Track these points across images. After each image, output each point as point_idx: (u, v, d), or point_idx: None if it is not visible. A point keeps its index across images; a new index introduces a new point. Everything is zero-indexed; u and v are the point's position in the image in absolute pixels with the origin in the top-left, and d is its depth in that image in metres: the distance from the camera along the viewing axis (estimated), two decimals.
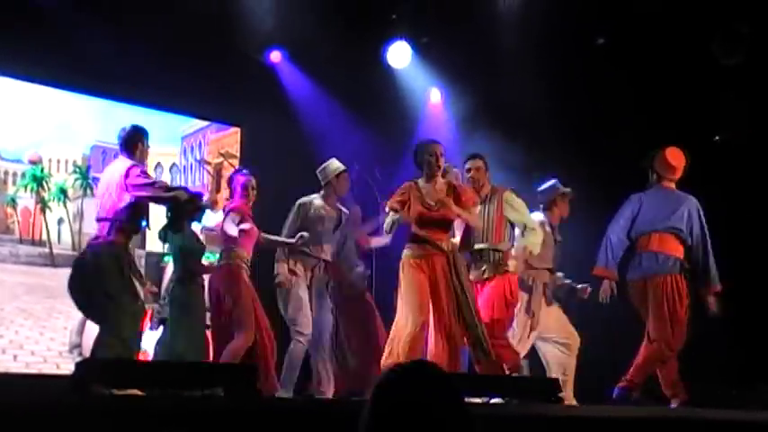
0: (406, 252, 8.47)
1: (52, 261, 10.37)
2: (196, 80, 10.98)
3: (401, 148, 10.75)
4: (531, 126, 11.69)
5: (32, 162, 10.93)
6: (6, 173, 10.79)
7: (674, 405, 9.13)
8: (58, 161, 11.14)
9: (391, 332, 8.38)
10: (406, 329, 8.18)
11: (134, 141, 8.24)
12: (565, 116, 11.27)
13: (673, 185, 9.60)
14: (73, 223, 11.19)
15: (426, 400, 2.65)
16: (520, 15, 10.54)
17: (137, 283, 8.22)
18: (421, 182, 8.50)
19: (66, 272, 10.03)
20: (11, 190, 10.86)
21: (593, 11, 11.12)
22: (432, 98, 12.91)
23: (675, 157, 9.60)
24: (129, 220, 8.02)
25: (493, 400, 7.94)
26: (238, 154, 12.35)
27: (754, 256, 11.19)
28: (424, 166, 8.50)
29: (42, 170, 10.92)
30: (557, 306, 9.92)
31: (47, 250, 10.03)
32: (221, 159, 10.88)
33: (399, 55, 12.33)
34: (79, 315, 10.52)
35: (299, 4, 11.13)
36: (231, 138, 12.59)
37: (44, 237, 10.48)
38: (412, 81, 12.70)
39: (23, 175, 10.95)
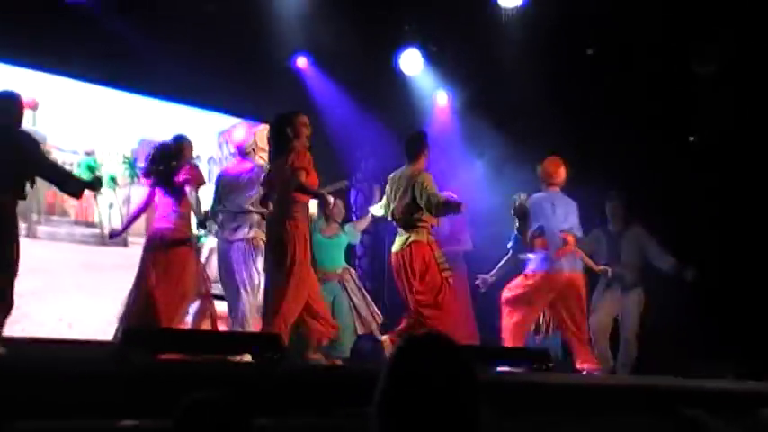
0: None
1: (103, 240, 10.39)
2: (232, 82, 11.04)
3: None
4: (528, 123, 11.67)
5: (87, 153, 10.97)
6: (63, 163, 10.76)
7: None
8: (109, 153, 11.18)
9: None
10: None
11: None
12: (558, 115, 11.25)
13: (557, 189, 9.67)
14: (122, 207, 11.23)
15: (439, 368, 2.62)
16: (519, 28, 10.52)
17: None
18: None
19: (114, 250, 10.12)
20: None
21: (583, 24, 11.10)
22: (439, 100, 12.90)
23: (553, 165, 9.69)
24: None
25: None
26: (268, 148, 12.36)
27: (722, 245, 11.17)
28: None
29: (95, 161, 10.94)
30: None
31: (98, 231, 10.06)
32: None
33: (411, 62, 12.36)
34: (126, 288, 10.60)
35: (322, 17, 11.16)
36: (263, 133, 12.58)
37: (96, 219, 10.53)
38: (422, 85, 12.69)
39: (79, 165, 10.95)
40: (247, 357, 7.37)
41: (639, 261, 10.63)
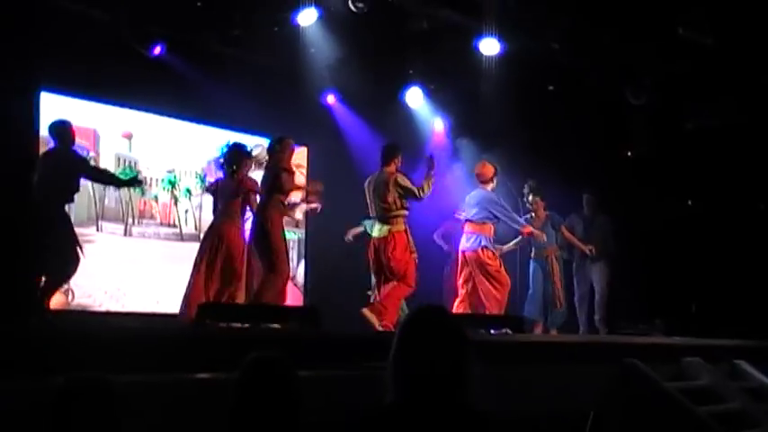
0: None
1: (181, 238, 10.42)
2: (276, 113, 11.01)
3: (415, 160, 10.72)
4: (504, 143, 11.66)
5: (168, 171, 11.01)
6: (151, 179, 10.87)
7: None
8: (185, 171, 11.21)
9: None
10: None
11: None
12: (527, 136, 11.25)
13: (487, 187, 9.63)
14: (195, 212, 11.26)
15: (438, 331, 2.65)
16: (497, 70, 10.48)
17: None
18: None
19: (190, 245, 10.13)
20: (154, 190, 10.94)
21: (546, 68, 11.12)
22: (436, 126, 12.87)
23: (483, 168, 9.67)
24: None
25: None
26: (305, 164, 12.40)
27: (658, 235, 11.25)
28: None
29: (175, 177, 11.01)
30: None
31: (178, 231, 10.09)
32: None
33: (414, 97, 12.28)
34: None
35: (346, 63, 11.13)
36: (300, 154, 12.60)
37: (176, 221, 10.54)
38: (422, 115, 12.67)
39: (162, 180, 11.03)
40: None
41: (604, 241, 10.75)
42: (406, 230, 8.72)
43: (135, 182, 9.00)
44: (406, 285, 8.61)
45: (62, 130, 8.27)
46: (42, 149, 8.88)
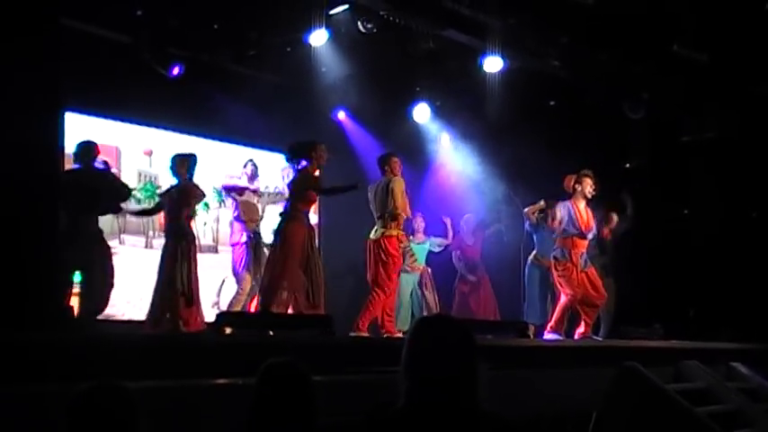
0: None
1: (199, 249, 10.36)
2: (289, 129, 11.03)
3: (423, 173, 10.83)
4: (507, 154, 11.69)
5: None
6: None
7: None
8: (203, 186, 11.19)
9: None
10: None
11: None
12: (528, 147, 11.26)
13: None
14: (213, 225, 11.30)
15: (449, 336, 2.67)
16: (499, 87, 10.51)
17: None
18: None
19: (207, 256, 10.15)
20: None
21: (546, 84, 11.14)
22: (442, 140, 12.90)
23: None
24: None
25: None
26: None
27: (656, 243, 11.26)
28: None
29: None
30: None
31: (196, 243, 10.06)
32: None
33: (421, 113, 12.32)
34: (218, 282, 10.66)
35: (355, 81, 11.16)
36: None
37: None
38: (429, 129, 12.70)
39: None
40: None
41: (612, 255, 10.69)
42: (398, 234, 8.74)
43: (145, 213, 9.30)
44: (380, 292, 8.57)
45: (87, 149, 8.39)
46: (67, 167, 8.93)
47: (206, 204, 10.94)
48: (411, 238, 10.81)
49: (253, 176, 10.32)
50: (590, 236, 9.31)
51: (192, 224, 8.95)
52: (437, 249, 11.45)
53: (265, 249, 9.56)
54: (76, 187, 7.96)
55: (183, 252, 8.56)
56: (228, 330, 6.71)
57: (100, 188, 8.25)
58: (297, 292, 8.09)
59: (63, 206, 7.83)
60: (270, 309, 7.96)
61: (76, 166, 8.35)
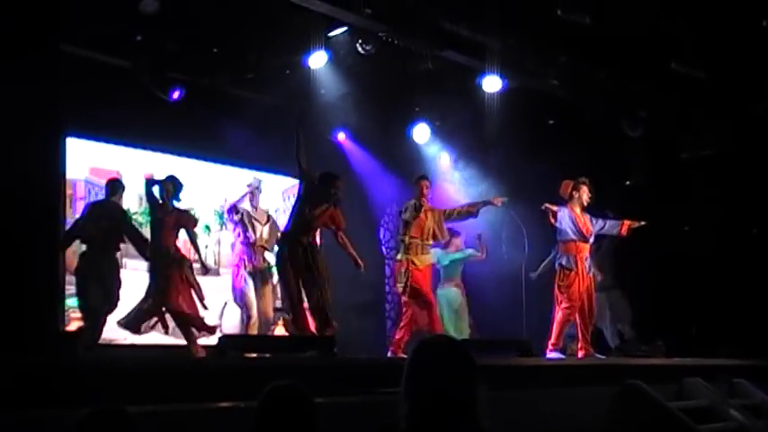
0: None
1: (202, 271, 10.34)
2: (289, 151, 11.02)
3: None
4: (506, 173, 11.70)
5: (190, 209, 11.02)
6: None
7: None
8: (204, 208, 11.24)
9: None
10: None
11: None
12: (527, 168, 11.28)
13: None
14: (213, 247, 11.30)
15: (449, 356, 2.66)
16: (499, 106, 10.54)
17: None
18: None
19: (208, 279, 10.14)
20: None
21: (545, 103, 11.18)
22: (442, 160, 12.91)
23: None
24: None
25: None
26: None
27: (657, 260, 11.26)
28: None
29: (195, 214, 11.02)
30: None
31: (198, 265, 10.06)
32: None
33: (421, 133, 12.33)
34: (220, 305, 10.66)
35: (355, 102, 11.19)
36: None
37: (196, 256, 10.51)
38: (429, 149, 12.72)
39: None
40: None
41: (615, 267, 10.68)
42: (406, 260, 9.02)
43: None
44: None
45: (116, 185, 9.13)
46: (68, 192, 9.03)
47: (207, 227, 10.97)
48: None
49: (254, 194, 10.43)
50: (591, 239, 9.35)
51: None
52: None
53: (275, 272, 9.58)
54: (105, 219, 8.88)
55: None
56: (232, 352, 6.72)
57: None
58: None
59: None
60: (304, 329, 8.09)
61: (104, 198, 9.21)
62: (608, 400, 6.83)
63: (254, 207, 10.52)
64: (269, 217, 10.73)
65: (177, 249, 9.07)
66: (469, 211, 9.44)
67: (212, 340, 8.59)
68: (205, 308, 9.11)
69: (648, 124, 11.18)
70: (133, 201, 10.53)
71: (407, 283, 8.95)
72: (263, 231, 10.39)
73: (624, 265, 10.81)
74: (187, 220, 9.27)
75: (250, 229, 10.28)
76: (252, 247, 10.21)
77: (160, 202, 9.04)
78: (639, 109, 11.13)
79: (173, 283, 8.83)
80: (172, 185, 9.11)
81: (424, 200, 9.20)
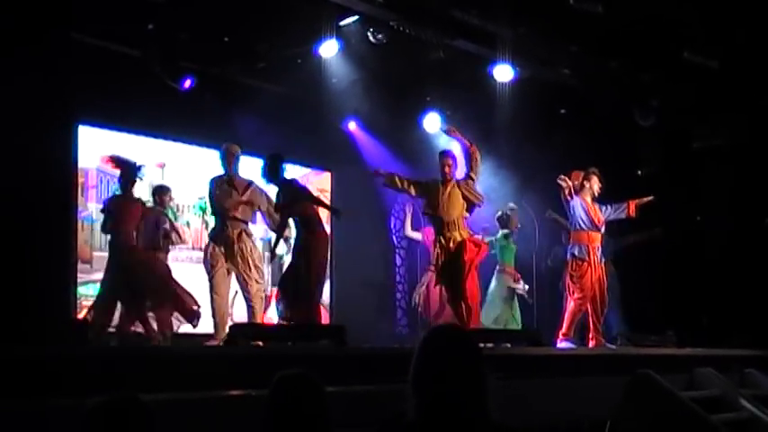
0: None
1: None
2: (300, 140, 11.09)
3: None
4: (518, 163, 11.67)
5: (199, 198, 11.05)
6: (183, 205, 10.93)
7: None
8: None
9: None
10: None
11: None
12: (541, 159, 11.25)
13: None
14: None
15: (454, 347, 2.67)
16: (510, 95, 10.52)
17: None
18: None
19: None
20: (186, 216, 11.00)
21: (557, 92, 11.16)
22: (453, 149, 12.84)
23: None
24: None
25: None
26: (329, 189, 12.44)
27: (668, 250, 11.22)
28: None
29: (205, 203, 11.01)
30: None
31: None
32: None
33: (432, 122, 12.29)
34: (230, 295, 10.65)
35: (366, 91, 11.17)
36: (325, 178, 12.66)
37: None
38: (440, 139, 12.68)
39: (194, 206, 11.09)
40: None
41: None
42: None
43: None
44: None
45: (162, 194, 9.53)
46: (80, 180, 9.05)
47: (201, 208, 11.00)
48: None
49: None
50: (602, 228, 9.33)
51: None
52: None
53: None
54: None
55: None
56: (242, 342, 6.73)
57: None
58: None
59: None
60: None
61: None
62: (619, 390, 6.83)
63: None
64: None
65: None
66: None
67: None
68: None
69: (661, 114, 11.14)
70: (144, 189, 10.53)
71: None
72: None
73: (632, 254, 10.79)
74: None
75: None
76: None
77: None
78: (651, 98, 11.09)
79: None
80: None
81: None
